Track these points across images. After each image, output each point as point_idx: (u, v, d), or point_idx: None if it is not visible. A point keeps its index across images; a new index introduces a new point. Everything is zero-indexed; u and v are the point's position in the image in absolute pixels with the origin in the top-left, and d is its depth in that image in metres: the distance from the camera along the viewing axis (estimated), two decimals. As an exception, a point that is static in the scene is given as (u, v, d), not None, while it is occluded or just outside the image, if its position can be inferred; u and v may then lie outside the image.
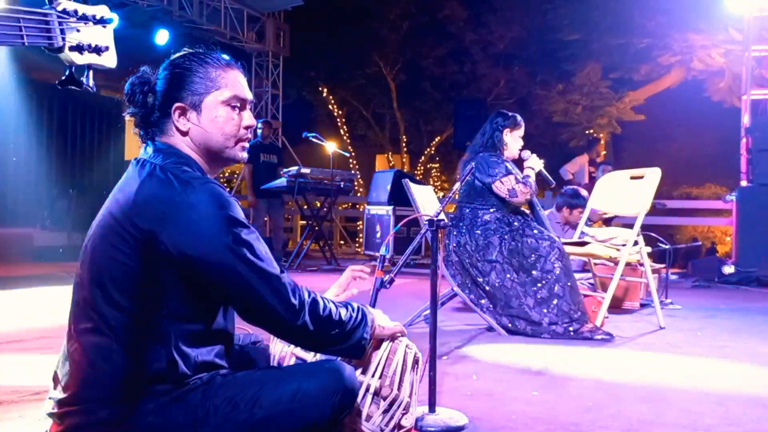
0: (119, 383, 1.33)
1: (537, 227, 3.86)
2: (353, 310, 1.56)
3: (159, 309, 1.35)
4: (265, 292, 1.38)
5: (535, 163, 4.03)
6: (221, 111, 1.51)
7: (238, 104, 1.53)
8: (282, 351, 1.76)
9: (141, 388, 1.34)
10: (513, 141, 4.04)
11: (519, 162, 4.10)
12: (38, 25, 1.01)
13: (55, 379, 1.42)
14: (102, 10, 1.12)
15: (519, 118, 4.07)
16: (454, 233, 3.97)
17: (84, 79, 1.16)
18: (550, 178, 4.14)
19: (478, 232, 3.84)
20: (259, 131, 8.33)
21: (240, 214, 1.40)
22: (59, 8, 1.05)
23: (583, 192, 6.01)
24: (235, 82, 1.53)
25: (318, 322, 1.45)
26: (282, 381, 1.46)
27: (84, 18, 1.09)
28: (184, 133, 1.49)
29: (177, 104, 1.47)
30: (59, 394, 1.39)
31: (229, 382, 1.44)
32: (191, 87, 1.48)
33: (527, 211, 4.11)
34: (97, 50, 1.12)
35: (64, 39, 1.06)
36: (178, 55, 1.51)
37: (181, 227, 1.33)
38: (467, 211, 3.95)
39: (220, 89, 1.50)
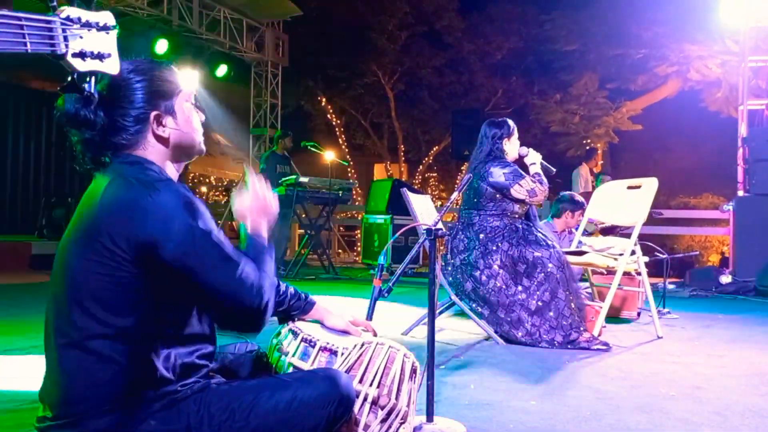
0: (103, 394, 1.31)
1: (539, 235, 3.87)
2: (253, 245, 1.52)
3: (135, 314, 1.33)
4: (229, 278, 1.35)
5: (536, 158, 4.07)
6: (189, 109, 1.52)
7: (194, 101, 1.55)
8: (280, 359, 1.76)
9: (126, 397, 1.32)
10: (512, 147, 4.07)
11: (518, 160, 4.12)
12: (41, 32, 1.01)
13: (41, 395, 1.40)
14: (105, 17, 1.12)
15: (511, 123, 4.10)
16: (460, 237, 3.97)
17: (86, 86, 1.16)
18: (550, 167, 4.16)
19: (488, 236, 3.84)
20: (282, 142, 8.64)
21: (205, 212, 1.38)
22: (63, 15, 1.06)
23: (578, 196, 6.03)
24: (184, 81, 1.53)
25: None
26: (278, 389, 1.45)
27: (87, 25, 1.09)
28: (165, 140, 1.46)
29: (153, 113, 1.44)
30: (46, 410, 1.37)
31: (224, 390, 1.43)
32: (161, 92, 1.46)
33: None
34: (100, 57, 1.12)
35: (67, 46, 1.06)
36: (131, 66, 1.46)
37: (149, 227, 1.30)
38: (476, 218, 3.94)
39: (182, 90, 1.50)
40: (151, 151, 1.45)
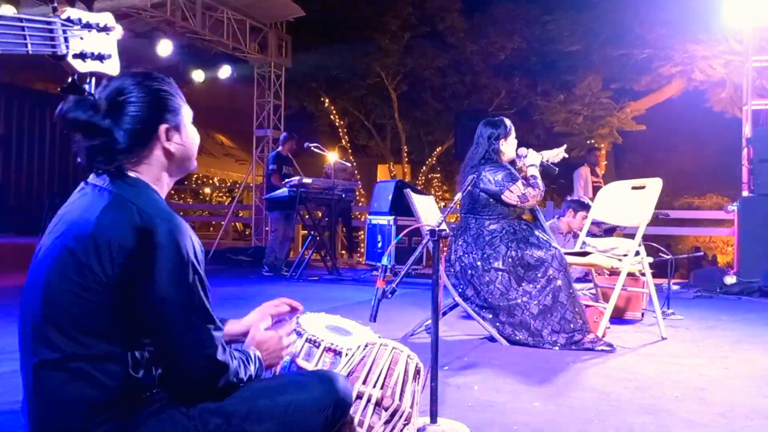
0: (83, 413, 1.28)
1: (540, 236, 3.85)
2: (252, 361, 1.50)
3: (114, 336, 1.30)
4: (196, 326, 1.33)
5: (535, 159, 4.01)
6: (191, 127, 1.53)
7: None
8: (283, 360, 1.76)
9: (107, 412, 1.29)
10: (509, 147, 4.02)
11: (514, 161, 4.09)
12: (42, 33, 1.02)
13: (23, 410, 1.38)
14: (105, 18, 1.12)
15: (508, 122, 4.03)
16: (459, 243, 3.96)
17: (86, 87, 1.16)
18: (553, 166, 4.11)
19: (486, 240, 3.82)
20: (288, 143, 8.57)
21: (198, 254, 1.36)
22: (63, 16, 1.06)
23: (585, 199, 6.03)
24: (184, 99, 1.54)
25: (231, 387, 1.41)
26: (275, 393, 1.44)
27: (87, 26, 1.09)
28: (171, 155, 1.46)
29: (164, 126, 1.44)
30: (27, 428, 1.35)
31: None
32: (171, 107, 1.46)
33: (529, 219, 4.11)
34: (100, 58, 1.12)
35: (67, 47, 1.06)
36: (142, 77, 1.43)
37: (144, 257, 1.28)
38: (473, 222, 3.93)
39: (184, 106, 1.51)
40: (155, 165, 1.45)
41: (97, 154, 1.39)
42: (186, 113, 1.51)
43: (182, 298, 1.31)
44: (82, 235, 1.30)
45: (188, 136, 1.51)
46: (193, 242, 1.35)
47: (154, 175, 1.45)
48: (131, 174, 1.41)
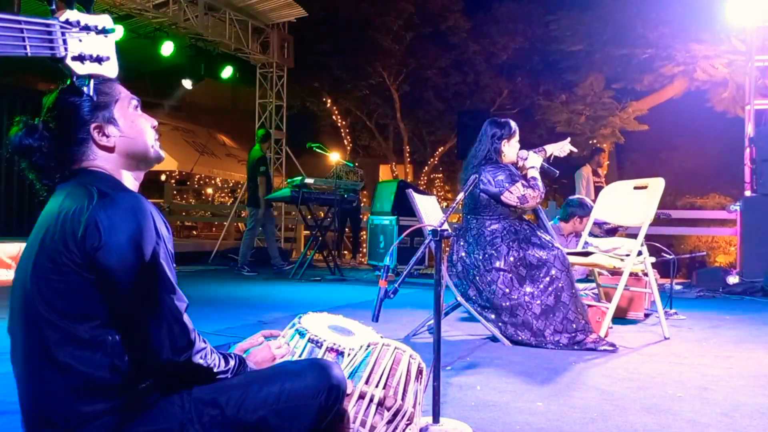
0: (73, 406, 1.29)
1: (542, 236, 3.85)
2: (233, 358, 1.50)
3: (94, 320, 1.30)
4: (162, 318, 1.32)
5: (535, 162, 4.00)
6: (133, 115, 1.51)
7: (140, 107, 1.53)
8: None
9: (103, 402, 1.29)
10: (511, 149, 4.01)
11: (516, 162, 4.08)
12: (41, 36, 1.02)
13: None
14: (104, 20, 1.12)
15: (513, 124, 4.03)
16: (461, 243, 3.96)
17: (85, 89, 1.16)
18: (553, 169, 4.10)
19: (487, 240, 3.82)
20: (268, 142, 8.62)
21: (160, 228, 1.36)
22: (62, 18, 1.06)
23: (588, 201, 6.01)
24: (122, 89, 1.52)
25: (198, 368, 1.39)
26: (268, 382, 1.44)
27: (86, 28, 1.09)
28: (111, 149, 1.45)
29: (93, 124, 1.43)
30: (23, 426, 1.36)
31: (211, 386, 1.41)
32: (97, 104, 1.45)
33: (531, 219, 4.11)
34: (99, 60, 1.12)
35: (66, 49, 1.06)
36: (62, 90, 1.45)
37: (100, 234, 1.28)
38: (474, 222, 3.93)
39: (119, 99, 1.49)
40: (103, 162, 1.45)
41: (38, 169, 1.42)
42: (121, 105, 1.49)
43: (142, 267, 1.30)
44: (50, 223, 1.34)
45: (130, 126, 1.48)
46: (153, 217, 1.34)
47: (112, 172, 1.46)
48: (91, 169, 1.44)
